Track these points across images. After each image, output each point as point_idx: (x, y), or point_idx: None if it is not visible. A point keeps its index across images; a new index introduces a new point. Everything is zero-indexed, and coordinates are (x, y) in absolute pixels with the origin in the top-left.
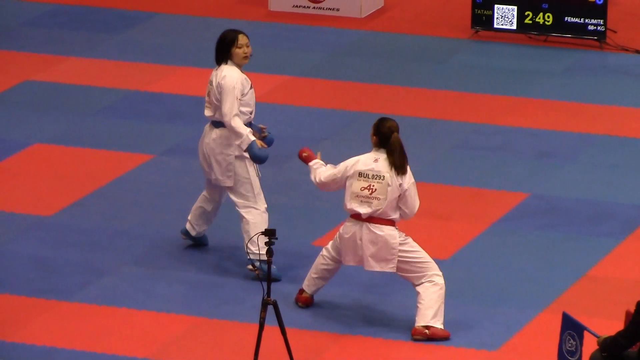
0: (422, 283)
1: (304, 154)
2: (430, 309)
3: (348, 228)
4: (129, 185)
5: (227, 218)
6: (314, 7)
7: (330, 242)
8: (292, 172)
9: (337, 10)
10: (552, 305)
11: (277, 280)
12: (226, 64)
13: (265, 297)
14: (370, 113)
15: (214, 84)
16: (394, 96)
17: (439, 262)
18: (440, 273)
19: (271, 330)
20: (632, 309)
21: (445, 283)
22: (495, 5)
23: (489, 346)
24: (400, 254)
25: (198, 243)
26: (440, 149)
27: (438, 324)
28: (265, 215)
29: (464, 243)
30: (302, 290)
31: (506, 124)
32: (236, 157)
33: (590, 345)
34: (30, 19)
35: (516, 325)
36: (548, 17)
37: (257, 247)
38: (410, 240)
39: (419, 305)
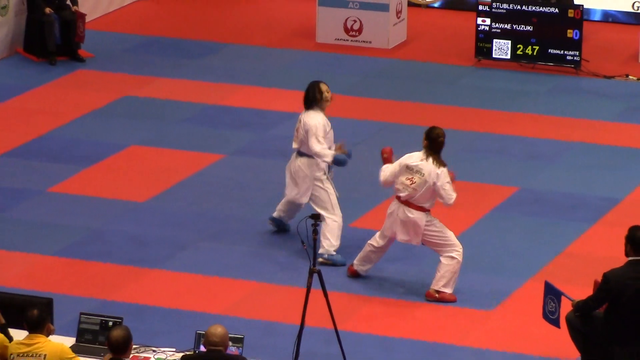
0: (444, 255)
1: (385, 155)
2: (443, 278)
3: (392, 207)
4: (205, 178)
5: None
6: (351, 40)
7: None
8: (333, 168)
9: (370, 42)
10: (536, 276)
11: (343, 265)
12: (312, 109)
13: (312, 266)
14: (395, 123)
15: (301, 123)
16: (413, 110)
17: None
18: (459, 250)
19: (315, 293)
20: (599, 279)
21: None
22: (494, 40)
23: (487, 306)
24: (425, 232)
25: (281, 229)
26: (450, 151)
27: (448, 290)
28: (340, 224)
29: (467, 226)
30: (351, 264)
31: (502, 133)
32: (315, 179)
33: (566, 307)
34: (129, 47)
35: (508, 291)
36: (535, 49)
37: (328, 244)
38: (436, 222)
39: (436, 272)
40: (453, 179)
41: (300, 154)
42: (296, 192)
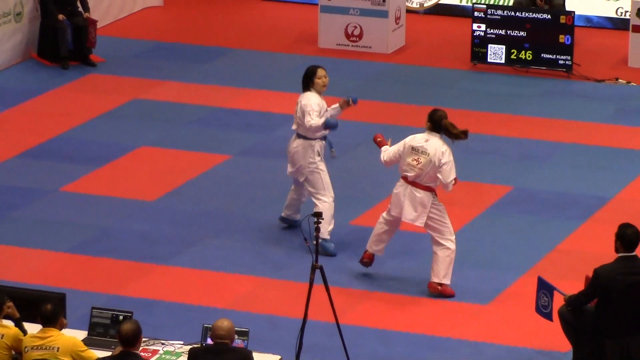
0: (439, 245)
1: (378, 139)
2: (442, 270)
3: (398, 187)
4: (212, 177)
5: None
6: (352, 45)
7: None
8: (335, 168)
9: (370, 47)
10: (529, 271)
11: (332, 255)
12: (309, 90)
13: (314, 262)
14: (394, 125)
15: (299, 105)
16: (411, 113)
17: None
18: (453, 239)
19: (318, 288)
20: (590, 274)
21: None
22: (489, 45)
23: (482, 300)
24: (430, 212)
25: (292, 225)
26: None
27: (447, 281)
28: (332, 204)
29: (464, 223)
30: (366, 250)
31: (497, 134)
32: (310, 162)
33: (558, 302)
34: (138, 52)
35: (502, 286)
36: (529, 53)
37: (322, 230)
38: (442, 206)
39: (434, 265)
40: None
41: (299, 135)
42: (294, 170)
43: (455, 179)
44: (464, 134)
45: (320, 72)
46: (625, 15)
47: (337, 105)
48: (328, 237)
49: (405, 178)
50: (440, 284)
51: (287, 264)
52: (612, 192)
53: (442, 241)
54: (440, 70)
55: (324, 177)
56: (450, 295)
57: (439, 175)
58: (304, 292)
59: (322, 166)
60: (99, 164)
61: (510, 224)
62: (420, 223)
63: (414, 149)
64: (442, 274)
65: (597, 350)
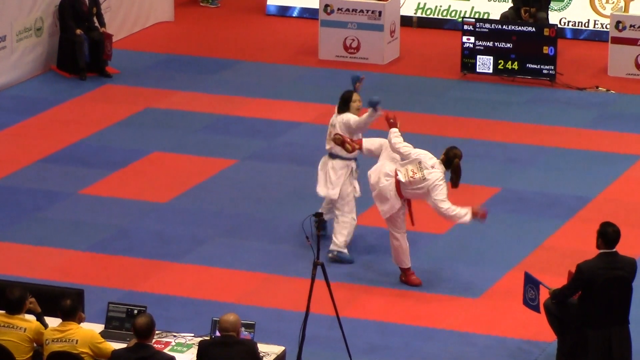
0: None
1: (391, 120)
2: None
3: (385, 180)
4: (220, 181)
5: (300, 207)
6: (350, 57)
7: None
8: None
9: (367, 59)
10: (517, 267)
11: (350, 262)
12: (344, 112)
13: (316, 259)
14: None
15: (336, 125)
16: (406, 119)
17: (437, 236)
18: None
19: (319, 283)
20: (573, 269)
21: (436, 248)
22: (478, 56)
23: (473, 294)
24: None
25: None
26: (439, 156)
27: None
28: (353, 222)
29: (455, 222)
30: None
31: (485, 139)
32: (343, 183)
33: (544, 295)
34: (151, 64)
35: (491, 280)
36: (515, 64)
37: (340, 241)
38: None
39: (399, 257)
40: (484, 216)
41: (332, 155)
42: (329, 189)
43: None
44: (457, 182)
45: (355, 96)
46: (605, 28)
47: (366, 115)
48: (344, 250)
49: (396, 176)
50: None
51: (290, 261)
52: (594, 192)
53: (398, 235)
54: (432, 80)
55: (351, 195)
56: (417, 284)
57: (433, 203)
58: (306, 287)
59: (353, 184)
60: (115, 168)
61: (499, 223)
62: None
63: (420, 164)
64: (408, 261)
65: (580, 340)
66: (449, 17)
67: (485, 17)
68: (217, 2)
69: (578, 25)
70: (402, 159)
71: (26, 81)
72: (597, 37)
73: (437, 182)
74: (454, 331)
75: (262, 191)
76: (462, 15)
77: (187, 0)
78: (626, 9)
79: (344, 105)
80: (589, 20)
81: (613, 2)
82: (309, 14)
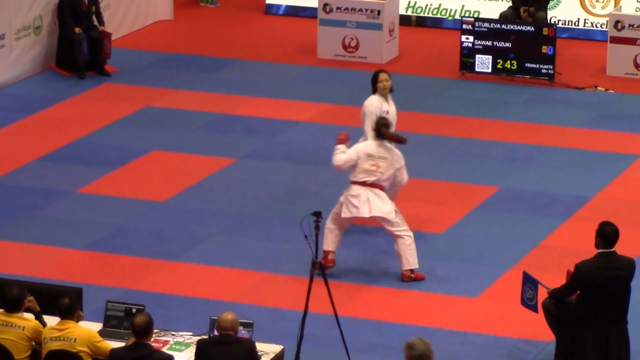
0: (397, 235)
1: (340, 137)
2: (410, 257)
3: (356, 190)
4: (218, 179)
5: (299, 206)
6: (349, 56)
7: (330, 215)
8: (333, 170)
9: (365, 58)
10: (515, 266)
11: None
12: (375, 93)
13: (314, 259)
14: None
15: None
16: (405, 119)
17: (435, 235)
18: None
19: (318, 282)
20: (572, 269)
21: (435, 247)
22: (476, 55)
23: (471, 294)
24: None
25: None
26: (438, 155)
27: (416, 266)
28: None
29: (454, 222)
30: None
31: (483, 138)
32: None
33: (542, 295)
34: (150, 63)
35: (490, 279)
36: (513, 63)
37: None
38: (393, 203)
39: (400, 254)
40: None
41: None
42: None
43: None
44: (400, 138)
45: (382, 76)
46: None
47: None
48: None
49: (363, 183)
50: (412, 271)
51: (288, 260)
52: (593, 192)
53: (401, 233)
54: (431, 79)
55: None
56: (421, 279)
57: (398, 177)
58: (304, 286)
59: None
60: (114, 167)
61: (497, 222)
62: (392, 215)
63: (370, 156)
64: (412, 261)
65: (578, 340)
66: (439, 16)
67: (468, 14)
68: (217, 1)
69: (568, 24)
70: (355, 170)
71: (25, 79)
72: (588, 35)
73: (397, 153)
74: (452, 330)
75: (261, 190)
76: (451, 14)
77: (187, 0)
78: (616, 5)
79: (373, 84)
80: (579, 19)
81: (603, 1)
82: (296, 11)
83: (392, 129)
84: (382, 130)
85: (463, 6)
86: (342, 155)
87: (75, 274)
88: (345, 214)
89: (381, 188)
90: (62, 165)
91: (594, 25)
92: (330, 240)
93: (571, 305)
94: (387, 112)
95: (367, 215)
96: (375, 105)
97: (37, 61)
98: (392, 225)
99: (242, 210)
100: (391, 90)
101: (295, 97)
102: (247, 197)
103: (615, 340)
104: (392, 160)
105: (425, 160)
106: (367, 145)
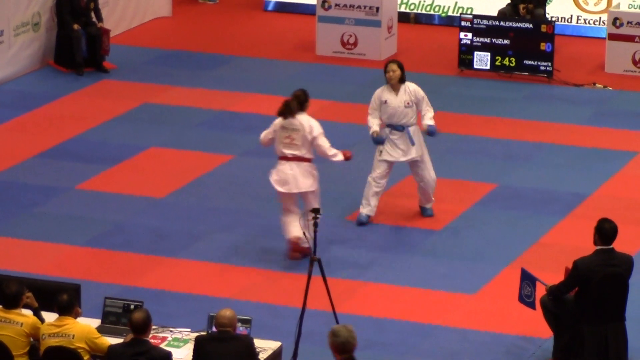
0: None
1: (347, 155)
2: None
3: (282, 165)
4: (217, 176)
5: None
6: (347, 53)
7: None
8: (331, 167)
9: (364, 55)
10: (513, 263)
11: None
12: (387, 83)
13: (312, 255)
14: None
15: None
16: None
17: (434, 232)
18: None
19: (316, 279)
20: (570, 266)
21: (433, 244)
22: (475, 52)
23: (469, 291)
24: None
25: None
26: (436, 152)
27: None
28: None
29: (452, 218)
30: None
31: (482, 135)
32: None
33: (540, 291)
34: (148, 59)
35: (488, 277)
36: (512, 60)
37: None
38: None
39: (306, 234)
40: (349, 158)
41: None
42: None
43: (344, 153)
44: (281, 110)
45: (389, 66)
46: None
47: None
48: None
49: (285, 158)
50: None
51: (287, 256)
52: (591, 189)
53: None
54: (430, 76)
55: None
56: (308, 253)
57: (319, 149)
58: (302, 283)
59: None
60: (112, 163)
61: (496, 219)
62: (313, 189)
63: (284, 129)
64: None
65: (576, 337)
66: (432, 12)
67: (461, 11)
68: None
69: (561, 21)
70: (277, 143)
71: (23, 76)
72: (581, 32)
73: (309, 123)
74: (450, 327)
75: (259, 187)
76: (445, 10)
77: None
78: (609, 4)
79: (385, 74)
80: (572, 15)
81: None
82: (295, 8)
83: (396, 120)
84: (283, 102)
85: (456, 3)
86: (265, 131)
87: (74, 270)
88: (278, 189)
89: (308, 160)
90: (60, 161)
91: (587, 22)
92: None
93: (569, 302)
94: (385, 102)
95: (292, 190)
96: (377, 94)
97: (36, 58)
98: (310, 203)
99: (241, 207)
100: (402, 81)
101: None
102: (245, 194)
103: (614, 338)
104: (304, 132)
105: None
106: (279, 119)
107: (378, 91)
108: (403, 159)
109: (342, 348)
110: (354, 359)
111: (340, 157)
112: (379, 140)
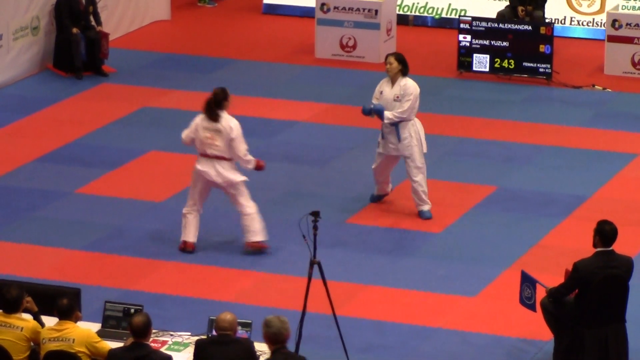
0: (243, 208)
1: (261, 164)
2: (254, 229)
3: (202, 164)
4: None
5: (297, 206)
6: (347, 55)
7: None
8: (331, 170)
9: (363, 57)
10: (513, 265)
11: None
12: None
13: (312, 258)
14: None
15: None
16: None
17: (433, 235)
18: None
19: (316, 282)
20: (570, 268)
21: (433, 247)
22: (474, 54)
23: (470, 293)
24: (238, 179)
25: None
26: (436, 155)
27: (260, 238)
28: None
29: (452, 221)
30: (185, 242)
31: (482, 138)
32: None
33: (541, 294)
34: (147, 63)
35: (488, 279)
36: (511, 62)
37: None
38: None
39: (246, 227)
40: (261, 167)
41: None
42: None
43: (256, 161)
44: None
45: (388, 59)
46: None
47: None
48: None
49: (206, 155)
50: (256, 242)
51: (287, 259)
52: (590, 191)
53: (242, 207)
54: (429, 78)
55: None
56: (265, 248)
57: (234, 149)
58: (303, 286)
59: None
60: (111, 167)
61: (495, 222)
62: (237, 180)
63: (205, 128)
64: (256, 232)
65: (576, 339)
66: (426, 14)
67: (454, 13)
68: (214, 1)
69: (555, 23)
70: (197, 142)
71: (22, 80)
72: (574, 34)
73: (229, 124)
74: (451, 330)
75: (259, 190)
76: (438, 12)
77: (185, 2)
78: (602, 6)
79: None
80: (565, 17)
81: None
82: (294, 11)
83: (390, 111)
84: (206, 101)
85: (450, 5)
86: (186, 130)
87: (74, 274)
88: (194, 180)
89: (229, 160)
90: (60, 165)
91: (581, 23)
92: (190, 230)
93: (569, 304)
94: (381, 93)
95: (213, 179)
96: (379, 84)
97: (35, 62)
98: (239, 194)
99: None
100: (404, 74)
101: (293, 97)
102: None
103: (614, 340)
104: (224, 132)
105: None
106: (202, 117)
107: (381, 82)
108: (394, 153)
109: (275, 338)
110: (286, 348)
111: (252, 164)
112: (363, 110)
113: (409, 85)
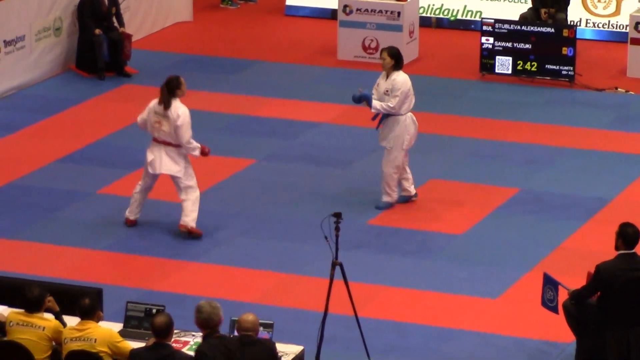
0: (187, 193)
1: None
2: (193, 213)
3: (151, 151)
4: (238, 180)
5: (318, 207)
6: (369, 57)
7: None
8: (353, 172)
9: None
10: (536, 267)
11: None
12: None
13: (334, 259)
14: None
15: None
16: (425, 120)
17: (455, 237)
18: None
19: (337, 283)
20: (592, 270)
21: (455, 248)
22: (497, 57)
23: (491, 295)
24: (185, 165)
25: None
26: (458, 156)
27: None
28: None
29: (474, 223)
30: (127, 218)
31: (504, 140)
32: None
33: (563, 296)
34: (170, 64)
35: (510, 281)
36: (534, 64)
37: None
38: (189, 162)
39: (186, 209)
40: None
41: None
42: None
43: (201, 148)
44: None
45: (382, 54)
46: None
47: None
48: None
49: (156, 140)
50: (192, 228)
51: (308, 260)
52: (613, 193)
53: (191, 183)
54: (451, 80)
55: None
56: (199, 235)
57: (178, 136)
58: (324, 287)
59: None
60: (133, 168)
61: (517, 224)
62: (182, 174)
63: (155, 113)
64: (193, 217)
65: (599, 341)
66: (442, 16)
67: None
68: (238, 4)
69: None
70: (148, 126)
71: (45, 81)
72: (589, 36)
73: (177, 112)
74: (473, 332)
75: (281, 191)
76: (454, 14)
77: (207, 3)
78: (618, 9)
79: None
80: (580, 19)
81: (605, 2)
82: (316, 12)
83: (380, 102)
84: (160, 88)
85: (465, 6)
86: (141, 114)
87: (96, 274)
88: (145, 170)
89: (176, 146)
90: (82, 166)
91: (596, 25)
92: (135, 207)
93: (592, 306)
94: (377, 85)
95: (156, 172)
96: (377, 81)
97: (57, 62)
98: (181, 182)
99: (262, 212)
100: (397, 68)
101: (316, 98)
102: (267, 199)
103: (636, 342)
104: (171, 118)
105: (445, 161)
106: (155, 102)
107: (381, 74)
108: (381, 143)
109: (206, 324)
110: (218, 332)
111: (197, 152)
112: (353, 97)
113: (397, 80)
